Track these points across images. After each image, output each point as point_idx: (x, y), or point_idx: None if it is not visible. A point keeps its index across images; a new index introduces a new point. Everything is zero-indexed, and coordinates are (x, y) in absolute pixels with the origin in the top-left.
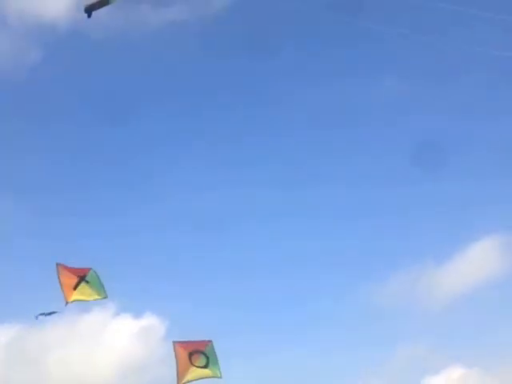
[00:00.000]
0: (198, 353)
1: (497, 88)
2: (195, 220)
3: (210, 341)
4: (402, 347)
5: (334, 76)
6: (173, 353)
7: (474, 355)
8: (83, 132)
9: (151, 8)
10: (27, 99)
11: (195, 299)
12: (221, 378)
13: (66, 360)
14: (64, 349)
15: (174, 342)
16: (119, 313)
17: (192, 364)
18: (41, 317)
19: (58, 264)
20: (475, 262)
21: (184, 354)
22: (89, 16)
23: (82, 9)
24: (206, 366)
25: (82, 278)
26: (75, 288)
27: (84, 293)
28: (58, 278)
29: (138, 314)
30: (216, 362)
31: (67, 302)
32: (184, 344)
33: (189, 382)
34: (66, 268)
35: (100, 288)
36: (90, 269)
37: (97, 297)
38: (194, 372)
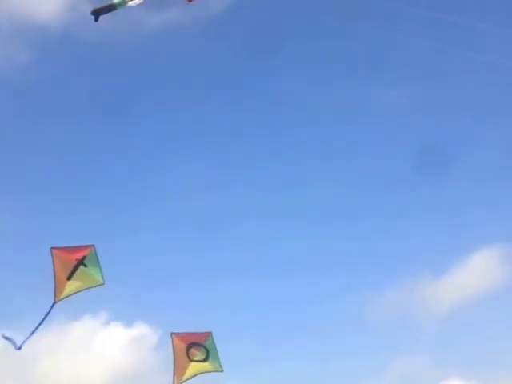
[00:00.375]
0: (197, 345)
1: (498, 90)
2: (195, 220)
3: (209, 332)
4: (399, 359)
5: (334, 76)
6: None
7: (473, 367)
8: (83, 132)
9: (146, 10)
10: (21, 101)
11: (192, 304)
12: (222, 371)
13: (55, 369)
14: (53, 357)
15: (171, 334)
16: (110, 321)
17: (190, 360)
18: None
19: (52, 248)
20: (474, 272)
21: (182, 348)
22: (96, 20)
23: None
24: (205, 360)
25: (80, 261)
26: (69, 278)
27: (80, 279)
28: (53, 266)
29: (129, 322)
30: (216, 356)
31: (55, 302)
32: (183, 336)
33: (187, 379)
34: (62, 252)
35: (96, 273)
36: (92, 246)
37: (92, 284)
38: (193, 367)
